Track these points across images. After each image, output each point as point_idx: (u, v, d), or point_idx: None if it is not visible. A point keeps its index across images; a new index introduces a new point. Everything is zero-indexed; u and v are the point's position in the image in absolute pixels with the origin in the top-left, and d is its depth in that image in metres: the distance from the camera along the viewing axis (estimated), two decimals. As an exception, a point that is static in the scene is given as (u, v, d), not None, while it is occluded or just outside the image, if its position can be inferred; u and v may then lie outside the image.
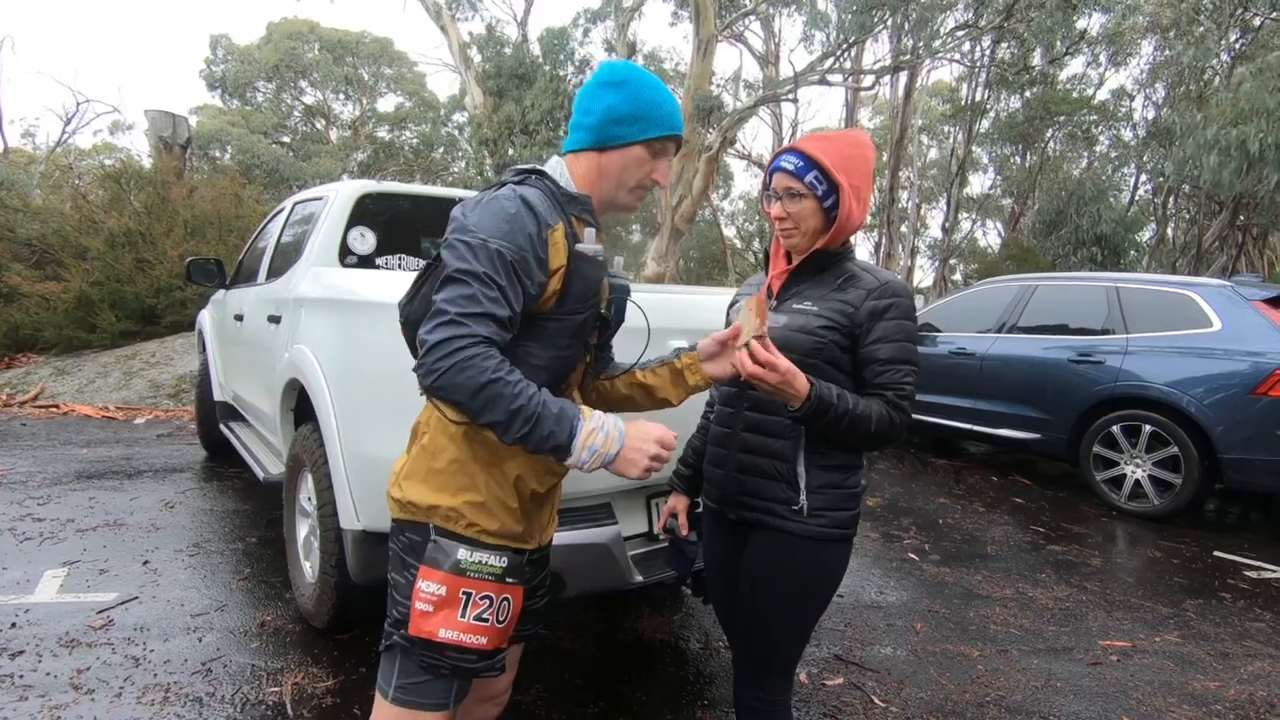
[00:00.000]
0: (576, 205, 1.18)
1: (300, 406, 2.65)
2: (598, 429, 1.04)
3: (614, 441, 1.04)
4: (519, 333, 1.12)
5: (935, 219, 27.31)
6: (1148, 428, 4.35)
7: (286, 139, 24.80)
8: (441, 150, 25.95)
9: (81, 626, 2.43)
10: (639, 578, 1.89)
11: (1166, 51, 16.14)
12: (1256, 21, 13.46)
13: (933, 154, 27.37)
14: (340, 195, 2.91)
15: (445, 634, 1.08)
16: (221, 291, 4.26)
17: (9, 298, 8.24)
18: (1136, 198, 19.48)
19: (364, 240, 2.91)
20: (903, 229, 22.74)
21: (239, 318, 3.61)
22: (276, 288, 3.00)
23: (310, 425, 2.34)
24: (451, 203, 3.39)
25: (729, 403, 1.45)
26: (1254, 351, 4.02)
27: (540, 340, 1.14)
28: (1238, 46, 13.18)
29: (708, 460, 1.51)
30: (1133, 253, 14.02)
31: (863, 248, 32.74)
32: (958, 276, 24.67)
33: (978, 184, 25.83)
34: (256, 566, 3.00)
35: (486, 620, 1.11)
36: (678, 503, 1.63)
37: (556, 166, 1.21)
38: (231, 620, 2.53)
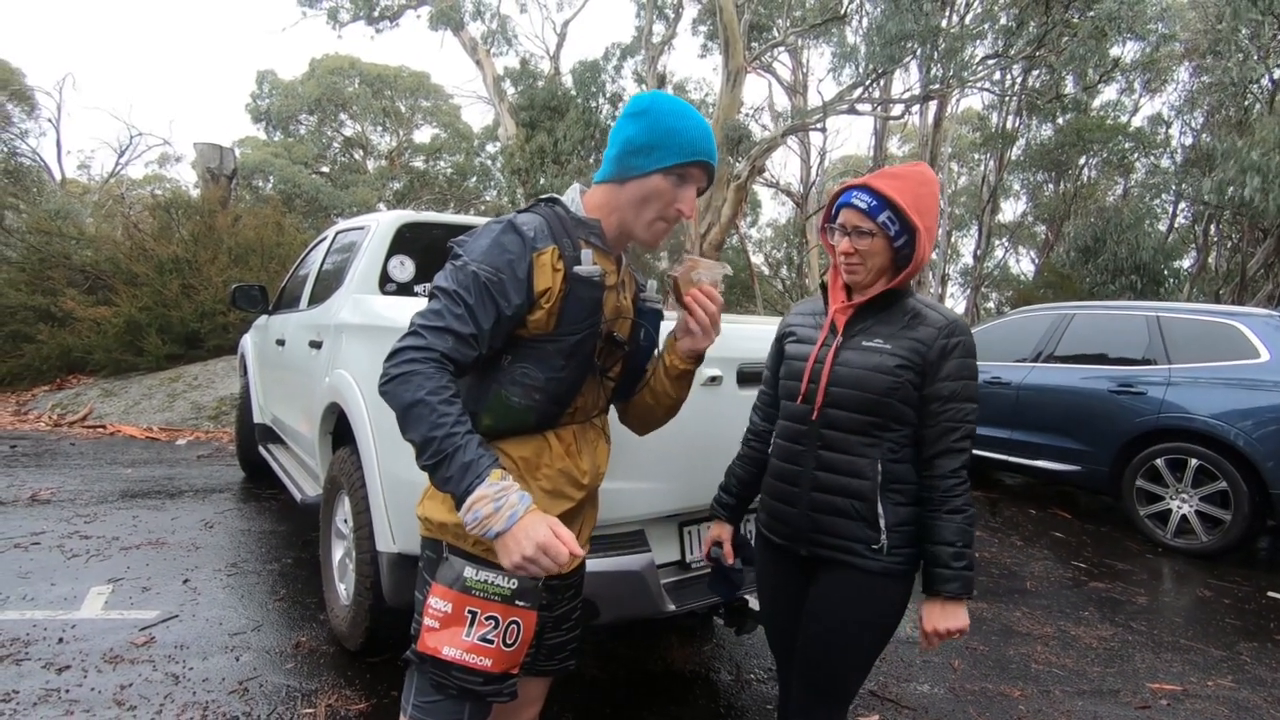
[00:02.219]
0: (584, 229, 1.20)
1: (339, 430, 2.71)
2: (490, 499, 0.99)
3: (500, 520, 0.98)
4: (517, 354, 1.15)
5: (967, 246, 27.06)
6: (1194, 461, 4.22)
7: (326, 169, 25.63)
8: (475, 179, 26.55)
9: (125, 643, 2.49)
10: (671, 606, 1.88)
11: (1204, 78, 15.91)
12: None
13: (963, 181, 27.19)
14: (381, 225, 3.00)
15: (449, 652, 1.07)
16: (264, 317, 4.39)
17: (62, 321, 8.58)
18: (1175, 225, 19.07)
19: (403, 268, 2.99)
20: (933, 255, 22.50)
21: (280, 342, 3.72)
22: (318, 314, 3.09)
23: (349, 448, 2.39)
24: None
25: (798, 440, 1.43)
26: (1305, 383, 3.88)
27: (536, 361, 1.15)
28: (1278, 73, 12.93)
29: (773, 496, 1.49)
30: (1171, 280, 13.68)
31: (892, 275, 32.41)
32: (990, 304, 24.30)
33: (1010, 211, 25.57)
34: (292, 587, 3.05)
35: (491, 641, 1.08)
36: (722, 531, 1.64)
37: (571, 194, 1.24)
38: (267, 640, 2.57)
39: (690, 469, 1.98)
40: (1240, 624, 3.25)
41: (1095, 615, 3.27)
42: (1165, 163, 18.59)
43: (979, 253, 21.11)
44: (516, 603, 1.10)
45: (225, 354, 8.33)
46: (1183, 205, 18.67)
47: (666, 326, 1.39)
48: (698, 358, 1.32)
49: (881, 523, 1.34)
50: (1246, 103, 13.92)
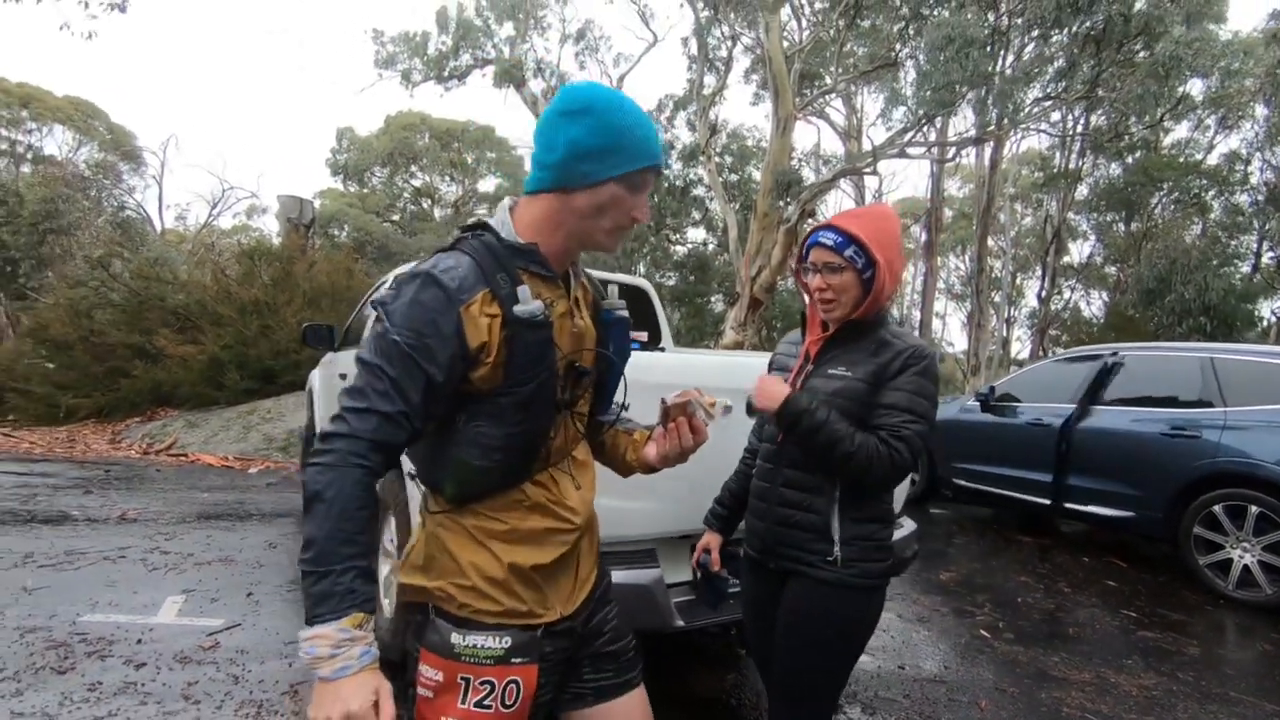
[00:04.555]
0: (521, 258, 1.04)
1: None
2: (331, 643, 0.89)
3: (329, 666, 0.89)
4: (469, 412, 1.04)
5: (1033, 287, 26.24)
6: (1254, 509, 4.03)
7: (396, 217, 27.15)
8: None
9: (193, 646, 2.74)
10: (680, 622, 1.99)
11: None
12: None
13: (1028, 221, 26.56)
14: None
15: None
16: (330, 354, 4.76)
17: (155, 359, 9.36)
18: (1261, 265, 18.10)
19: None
20: (995, 298, 21.98)
21: (343, 376, 4.04)
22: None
23: (394, 472, 2.62)
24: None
25: (770, 459, 1.57)
26: (1373, 428, 3.70)
27: (490, 418, 1.03)
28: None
29: (750, 512, 1.63)
30: (1241, 323, 12.94)
31: (955, 318, 31.66)
32: (1060, 348, 23.40)
33: (1077, 252, 24.75)
34: (343, 603, 3.28)
35: (489, 707, 1.02)
36: (711, 540, 1.75)
37: (499, 214, 1.08)
38: (318, 649, 2.78)
39: (701, 492, 2.10)
40: (1301, 680, 3.08)
41: (1139, 664, 3.16)
42: (1244, 199, 17.77)
43: (1043, 294, 20.49)
44: (512, 661, 1.04)
45: (296, 389, 8.90)
46: (1266, 245, 17.75)
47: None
48: (651, 469, 1.25)
49: (835, 535, 1.43)
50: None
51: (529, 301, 1.01)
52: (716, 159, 16.82)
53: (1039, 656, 3.18)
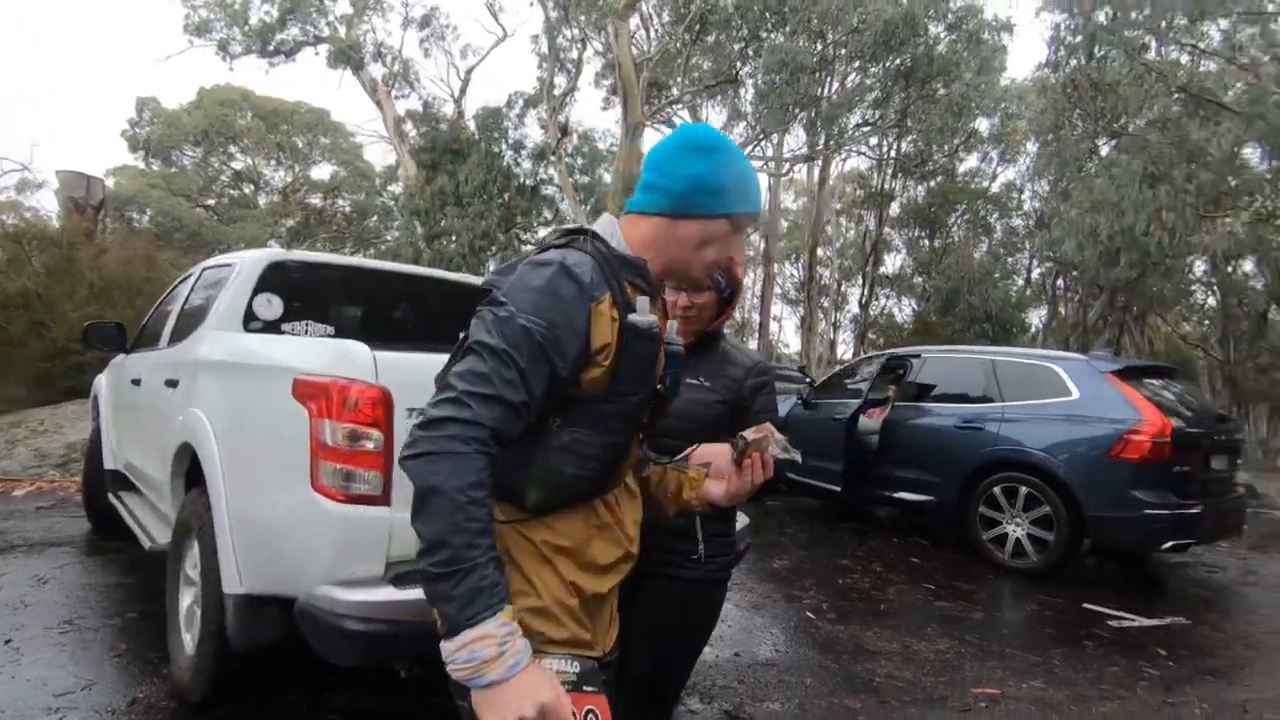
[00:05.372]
0: (629, 269, 1.03)
1: (192, 472, 2.62)
2: (497, 641, 0.82)
3: (500, 668, 0.82)
4: (568, 417, 0.99)
5: (855, 294, 28.95)
6: (1024, 489, 4.72)
7: (211, 202, 24.33)
8: (375, 219, 25.96)
9: (-75, 711, 2.26)
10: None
11: (1046, 150, 18.11)
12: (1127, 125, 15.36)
13: (851, 234, 29.27)
14: (248, 262, 2.97)
15: None
16: (121, 356, 4.16)
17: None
18: (1031, 279, 21.32)
19: (270, 307, 2.96)
20: (824, 303, 23.92)
21: (136, 382, 3.54)
22: (177, 351, 3.00)
23: (199, 489, 2.33)
24: (365, 272, 3.50)
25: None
26: (1107, 418, 4.47)
27: (591, 425, 1.00)
28: (1101, 153, 14.93)
29: None
30: (1016, 330, 15.27)
31: (789, 321, 34.01)
32: (875, 349, 26.00)
33: (892, 263, 27.68)
34: (134, 642, 2.86)
35: None
36: None
37: (608, 225, 1.07)
38: (100, 699, 2.40)
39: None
40: (1056, 633, 3.65)
41: (936, 631, 3.57)
42: (1018, 223, 20.86)
43: (864, 300, 22.65)
44: (585, 688, 0.96)
45: (79, 397, 7.68)
46: (1034, 262, 20.93)
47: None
48: (711, 508, 1.23)
49: (699, 534, 1.53)
50: (1081, 174, 15.94)
51: (645, 312, 1.00)
52: (568, 159, 16.82)
53: (857, 633, 3.50)
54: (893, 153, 18.73)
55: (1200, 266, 16.48)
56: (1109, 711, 2.78)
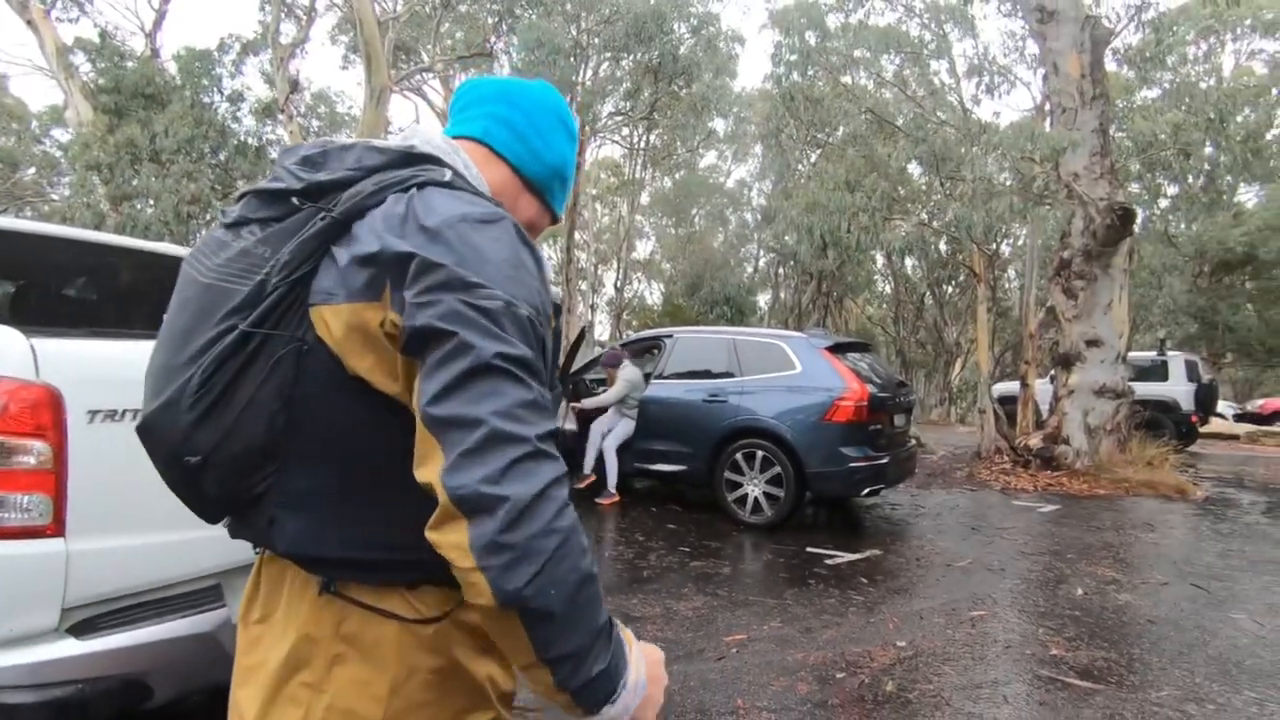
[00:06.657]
0: None
1: None
2: (638, 655, 0.71)
3: (642, 672, 0.71)
4: None
5: (611, 278, 30.29)
6: (760, 453, 5.33)
7: None
8: (34, 171, 20.66)
9: None
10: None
11: (770, 154, 20.61)
12: (829, 137, 18.02)
13: (606, 219, 30.49)
14: None
15: None
16: None
17: None
18: (759, 267, 24.20)
19: None
20: (582, 286, 24.59)
21: None
22: None
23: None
24: (17, 235, 2.72)
25: None
26: (822, 387, 5.23)
27: None
28: (813, 159, 17.39)
29: None
30: (750, 312, 17.29)
31: (548, 303, 34.48)
32: (631, 332, 27.56)
33: (643, 248, 29.42)
34: None
35: None
36: None
37: (454, 154, 0.81)
38: None
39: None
40: (788, 576, 4.20)
41: (692, 590, 3.88)
42: (749, 217, 23.51)
43: (619, 284, 23.78)
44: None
45: None
46: (761, 252, 23.79)
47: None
48: None
49: None
50: (796, 177, 18.38)
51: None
52: (300, 120, 14.95)
53: (624, 602, 3.66)
54: (643, 144, 19.81)
55: (880, 260, 20.09)
56: (830, 637, 3.26)
